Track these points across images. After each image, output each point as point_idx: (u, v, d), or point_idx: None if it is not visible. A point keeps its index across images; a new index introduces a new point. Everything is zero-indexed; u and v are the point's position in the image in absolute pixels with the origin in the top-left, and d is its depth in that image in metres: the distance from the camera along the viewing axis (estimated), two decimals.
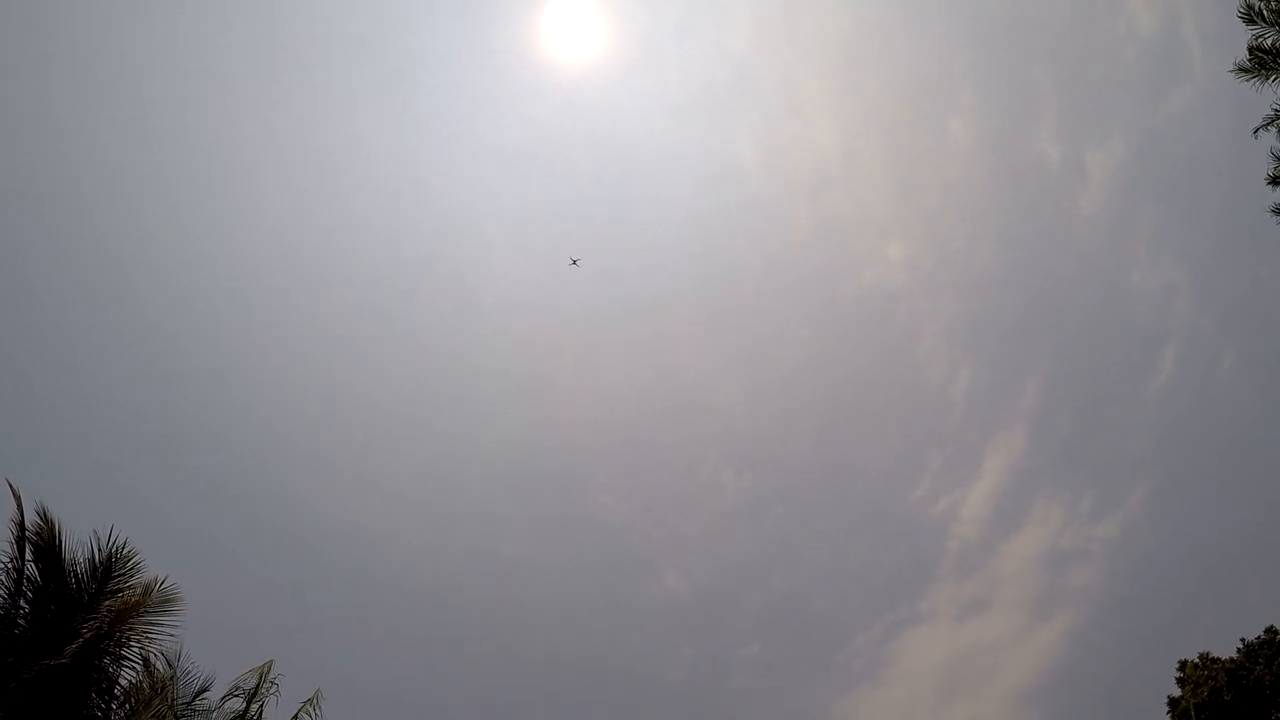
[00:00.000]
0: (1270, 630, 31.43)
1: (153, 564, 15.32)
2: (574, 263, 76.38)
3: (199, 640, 16.96)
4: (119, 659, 14.47)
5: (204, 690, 17.62)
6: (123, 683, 14.84)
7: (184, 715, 17.28)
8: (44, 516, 14.25)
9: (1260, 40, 22.30)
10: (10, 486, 14.03)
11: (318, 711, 18.37)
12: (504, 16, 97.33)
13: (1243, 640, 31.69)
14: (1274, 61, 22.17)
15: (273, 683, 18.69)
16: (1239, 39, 23.27)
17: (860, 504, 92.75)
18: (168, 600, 14.97)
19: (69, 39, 75.29)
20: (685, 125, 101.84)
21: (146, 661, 15.74)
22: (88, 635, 13.21)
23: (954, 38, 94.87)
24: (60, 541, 14.35)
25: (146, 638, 14.62)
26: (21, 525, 13.97)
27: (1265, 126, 23.76)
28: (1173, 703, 32.11)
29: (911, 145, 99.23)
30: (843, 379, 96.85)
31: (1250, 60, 23.04)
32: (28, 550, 13.96)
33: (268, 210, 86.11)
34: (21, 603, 13.79)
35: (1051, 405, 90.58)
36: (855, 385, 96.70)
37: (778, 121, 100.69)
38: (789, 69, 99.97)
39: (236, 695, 18.24)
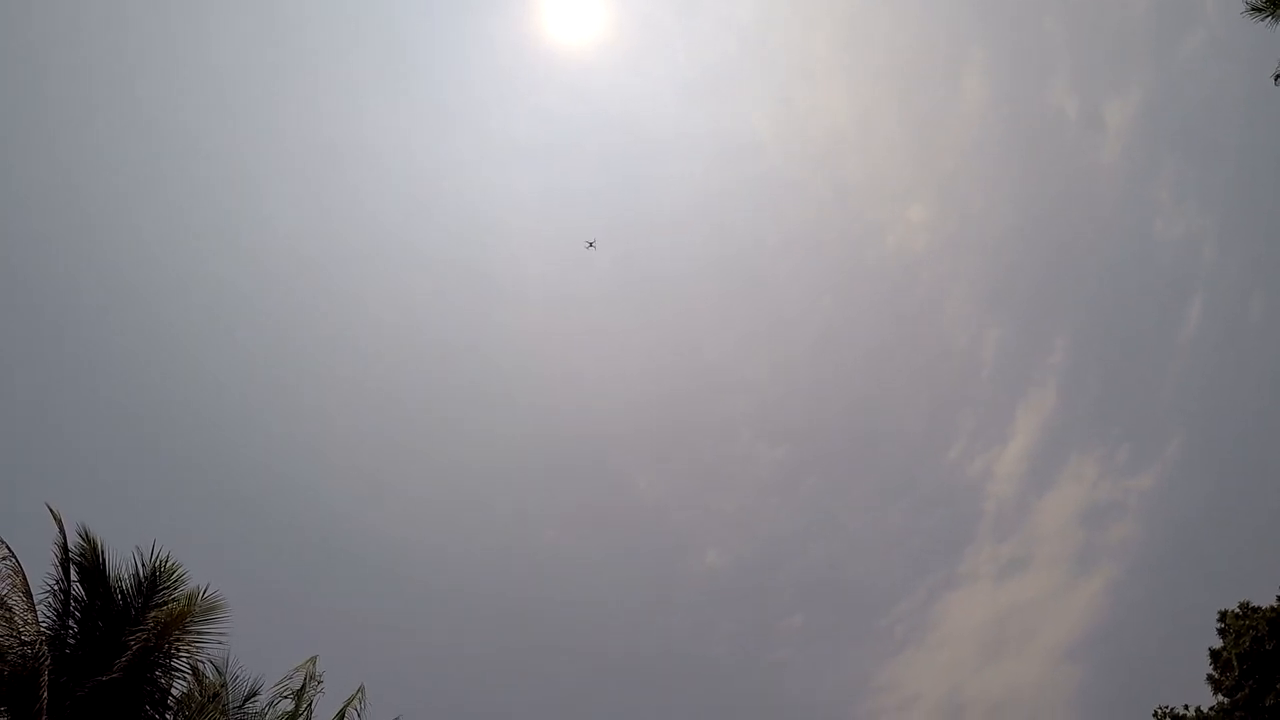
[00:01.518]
0: None
1: (195, 574, 15.72)
2: (590, 245, 76.43)
3: (244, 643, 17.36)
4: (169, 670, 14.93)
5: (254, 694, 18.03)
6: (175, 693, 15.33)
7: None
8: (85, 537, 14.68)
9: None
10: (51, 510, 14.46)
11: (363, 707, 18.74)
12: (502, 6, 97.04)
13: None
14: None
15: (318, 681, 19.12)
16: None
17: (895, 470, 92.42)
18: (212, 609, 15.35)
19: (66, 40, 75.96)
20: (695, 102, 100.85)
21: (196, 670, 16.20)
22: (136, 648, 13.63)
23: None
24: (103, 560, 14.79)
25: (195, 647, 15.02)
26: (65, 547, 14.40)
27: None
28: (1214, 654, 31.88)
29: (926, 106, 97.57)
30: (870, 346, 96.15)
31: None
32: (73, 571, 14.40)
33: (279, 216, 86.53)
34: (70, 622, 14.26)
35: (1081, 360, 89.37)
36: (883, 351, 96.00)
37: (789, 91, 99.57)
38: (797, 37, 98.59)
39: (286, 696, 18.63)
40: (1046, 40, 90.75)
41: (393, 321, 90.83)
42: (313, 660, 19.39)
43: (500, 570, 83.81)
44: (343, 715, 18.35)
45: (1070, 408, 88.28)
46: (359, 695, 18.86)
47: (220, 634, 15.40)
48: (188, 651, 15.01)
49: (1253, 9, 22.30)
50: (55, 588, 14.23)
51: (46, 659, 12.78)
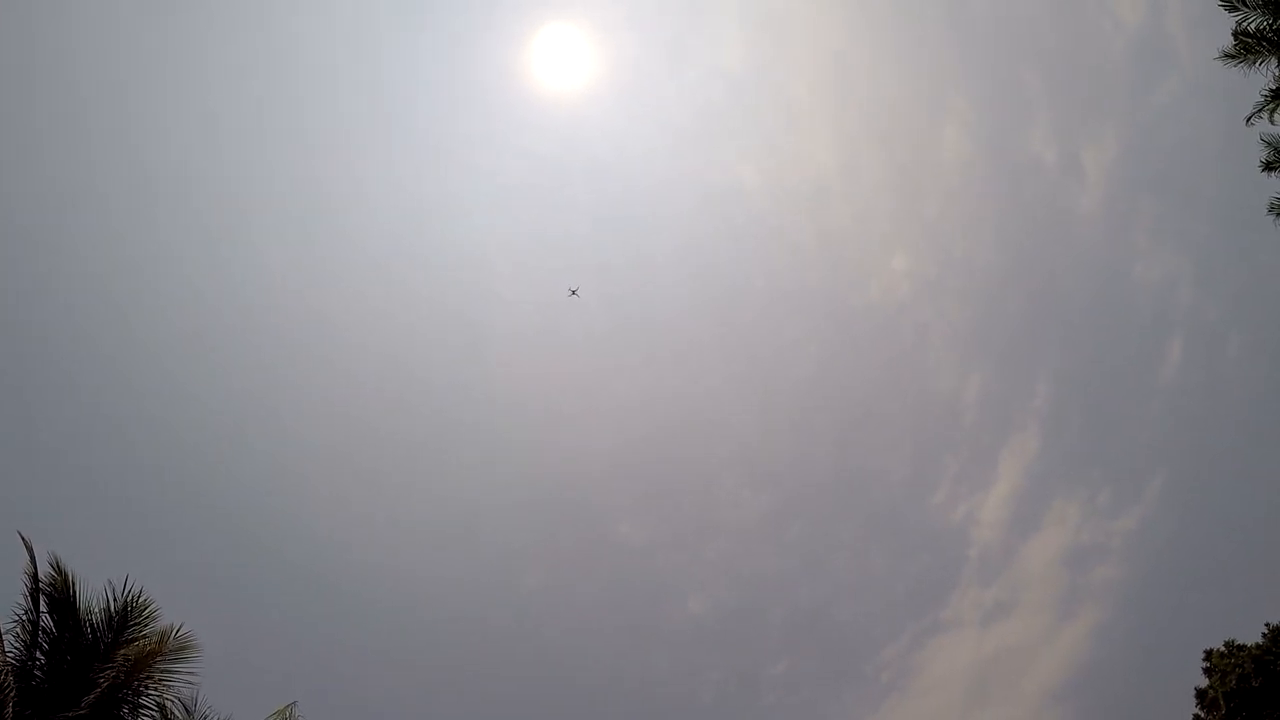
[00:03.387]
0: None
1: (168, 610, 15.32)
2: (573, 293, 76.78)
3: (216, 683, 16.87)
4: (137, 707, 14.45)
5: None
6: None
7: None
8: (57, 568, 14.27)
9: (1244, 24, 22.35)
10: (22, 539, 14.08)
11: None
12: (493, 49, 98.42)
13: (1268, 625, 31.35)
14: (1258, 45, 22.22)
15: None
16: (1223, 23, 23.37)
17: (879, 515, 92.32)
18: (184, 648, 14.98)
19: (60, 75, 76.23)
20: (682, 148, 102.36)
21: (164, 709, 15.67)
22: (104, 685, 13.20)
23: (942, 45, 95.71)
24: (74, 592, 14.37)
25: (164, 685, 14.59)
26: (35, 577, 13.99)
27: (1257, 114, 23.80)
28: (1200, 694, 31.74)
29: (908, 155, 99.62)
30: (854, 391, 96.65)
31: (1235, 45, 23.06)
32: (42, 602, 13.97)
33: (268, 249, 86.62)
34: (38, 654, 13.80)
35: (1062, 404, 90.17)
36: (867, 396, 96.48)
37: (774, 139, 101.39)
38: (782, 86, 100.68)
39: None
40: (1025, 90, 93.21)
41: (381, 355, 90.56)
42: (290, 706, 18.80)
43: (484, 608, 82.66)
44: None
45: (1052, 451, 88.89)
46: None
47: (191, 672, 15.03)
48: (157, 690, 14.59)
49: (1226, 56, 22.91)
50: (24, 618, 13.78)
51: (12, 690, 12.32)
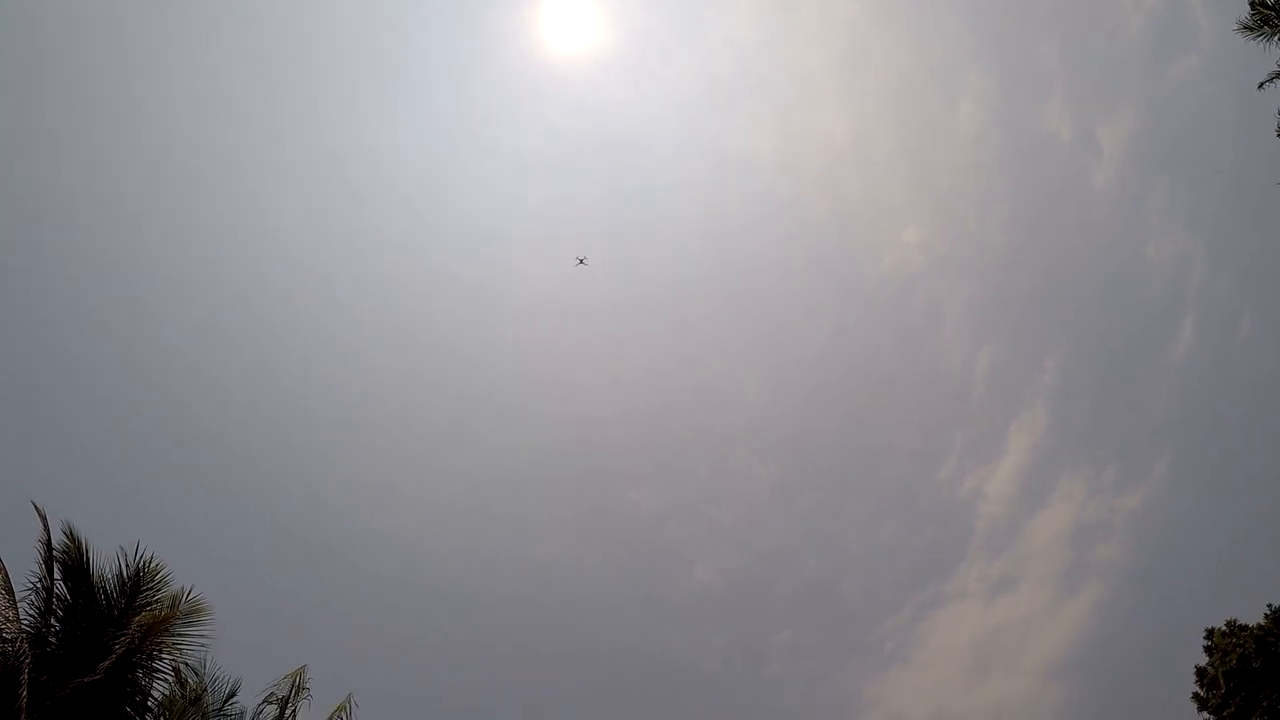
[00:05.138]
0: None
1: (179, 575, 15.57)
2: (581, 262, 76.61)
3: (227, 645, 17.17)
4: (151, 671, 14.70)
5: (232, 695, 17.78)
6: (155, 694, 15.11)
7: None
8: (71, 535, 14.50)
9: None
10: (36, 508, 14.29)
11: (350, 716, 18.52)
12: (505, 17, 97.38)
13: (1270, 606, 31.46)
14: (1276, 17, 21.86)
15: (305, 689, 18.89)
16: (1242, 3, 23.01)
17: (887, 487, 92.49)
18: (196, 611, 15.20)
19: (63, 43, 75.88)
20: (696, 118, 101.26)
21: (177, 672, 15.98)
22: (120, 651, 13.44)
23: (959, 18, 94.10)
24: (88, 559, 14.60)
25: (177, 649, 14.84)
26: (49, 545, 14.22)
27: (1271, 80, 23.45)
28: (1200, 672, 31.92)
29: (923, 128, 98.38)
30: (865, 363, 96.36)
31: (1253, 16, 22.76)
32: (56, 569, 14.21)
33: (283, 223, 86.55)
34: (52, 621, 14.05)
35: (1072, 380, 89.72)
36: (878, 369, 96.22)
37: (788, 110, 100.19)
38: (797, 57, 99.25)
39: (271, 703, 18.41)
40: (1041, 64, 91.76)
41: (392, 327, 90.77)
42: (301, 670, 19.15)
43: (496, 576, 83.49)
44: None
45: (1060, 427, 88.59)
46: (346, 704, 18.64)
47: (203, 636, 15.29)
48: (170, 654, 14.82)
49: (1245, 27, 22.55)
50: (39, 585, 14.04)
51: (27, 657, 12.57)
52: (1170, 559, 74.51)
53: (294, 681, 18.87)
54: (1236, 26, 22.67)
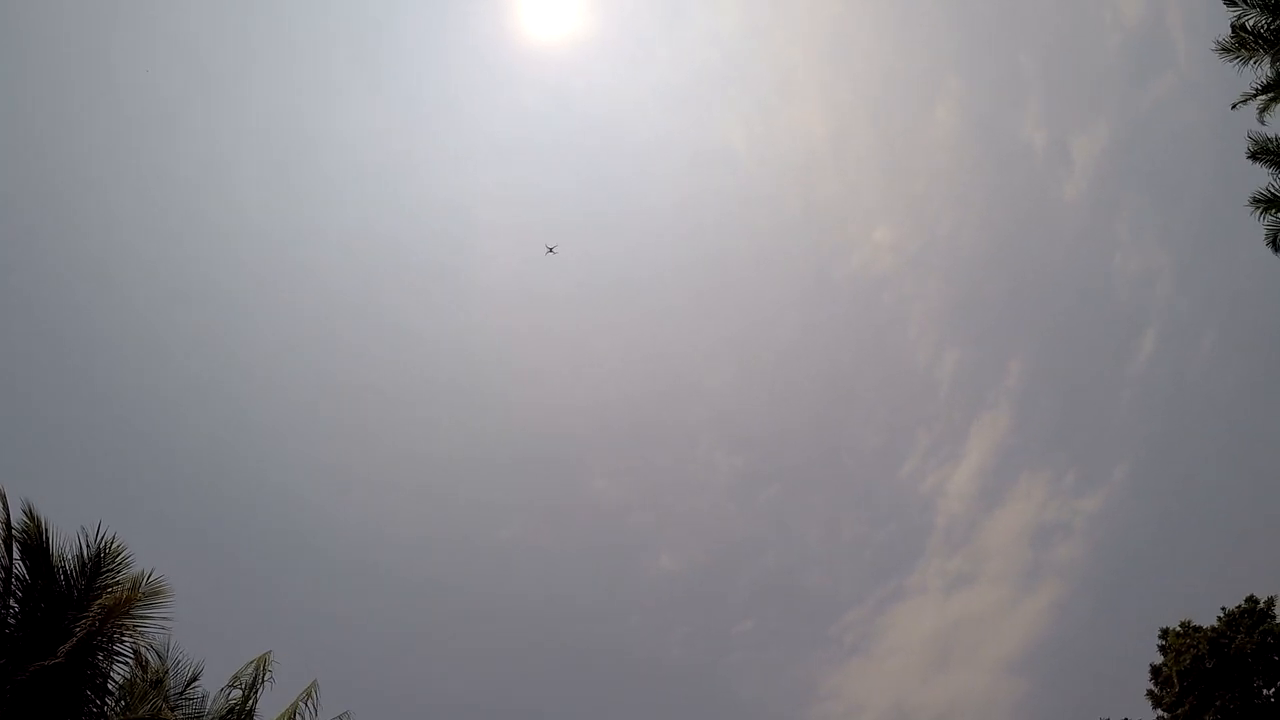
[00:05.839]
0: (1251, 599, 32.00)
1: (141, 558, 15.29)
2: (551, 250, 76.47)
3: (190, 631, 16.95)
4: (112, 655, 14.42)
5: (194, 679, 17.54)
6: (116, 677, 14.84)
7: (177, 707, 17.26)
8: (30, 514, 14.12)
9: (1242, 19, 22.31)
10: None
11: (314, 703, 18.34)
12: (482, 1, 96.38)
13: (1224, 609, 32.29)
14: (1255, 41, 22.20)
15: (269, 673, 18.67)
16: (1221, 27, 23.35)
17: (851, 482, 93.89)
18: (157, 593, 14.90)
19: (46, 34, 73.93)
20: (673, 109, 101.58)
21: (138, 655, 15.70)
22: (81, 633, 13.15)
23: (942, 23, 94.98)
24: (48, 539, 14.22)
25: (138, 632, 14.57)
26: (8, 524, 13.84)
27: (1245, 101, 23.84)
28: (1155, 670, 32.70)
29: (899, 131, 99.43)
30: (832, 360, 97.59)
31: (1232, 39, 23.04)
32: (15, 549, 13.85)
33: (252, 205, 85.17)
34: (11, 602, 13.70)
35: (1035, 385, 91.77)
36: (844, 366, 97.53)
37: (766, 105, 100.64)
38: (778, 52, 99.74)
39: (235, 687, 18.19)
40: (1020, 74, 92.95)
41: (360, 310, 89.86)
42: (266, 656, 18.92)
43: (458, 561, 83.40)
44: (294, 710, 17.92)
45: (1022, 430, 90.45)
46: (311, 691, 18.44)
47: (165, 619, 15.03)
48: (132, 637, 14.56)
49: (1223, 49, 22.90)
50: None
51: None
52: (1126, 561, 76.49)
53: (258, 667, 18.66)
54: (1214, 47, 23.02)
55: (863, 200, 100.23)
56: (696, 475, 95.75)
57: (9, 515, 13.89)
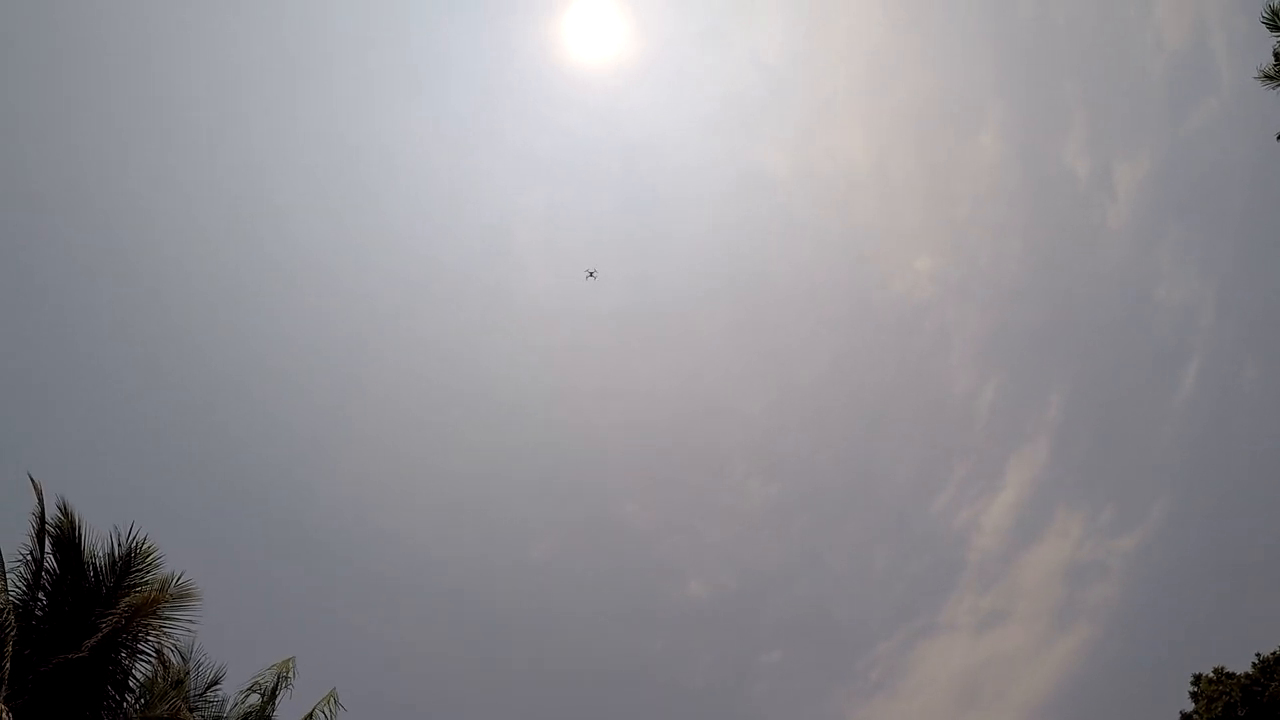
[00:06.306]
0: None
1: (172, 561, 15.53)
2: (590, 275, 76.36)
3: (215, 635, 17.14)
4: (135, 653, 14.65)
5: (215, 683, 17.74)
6: (138, 675, 15.08)
7: (196, 708, 17.48)
8: (64, 510, 14.47)
9: None
10: (32, 480, 14.28)
11: (333, 711, 18.46)
12: (527, 20, 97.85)
13: (1258, 655, 31.33)
14: None
15: (290, 680, 18.82)
16: (1265, 51, 23.05)
17: (884, 513, 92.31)
18: (185, 595, 15.14)
19: (81, 37, 76.28)
20: (714, 132, 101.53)
21: (161, 655, 15.96)
22: (106, 630, 13.41)
23: (985, 49, 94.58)
24: (80, 535, 14.56)
25: (163, 632, 14.81)
26: (42, 518, 14.19)
27: None
28: (1185, 718, 31.75)
29: (941, 157, 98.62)
30: (869, 388, 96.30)
31: (1275, 66, 22.79)
32: (48, 543, 14.20)
33: (291, 215, 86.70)
34: (40, 595, 14.01)
35: (1074, 418, 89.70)
36: (881, 394, 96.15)
37: (808, 130, 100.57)
38: (820, 77, 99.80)
39: (255, 691, 18.35)
40: (1064, 100, 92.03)
41: (398, 324, 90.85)
42: (289, 661, 19.09)
43: (487, 579, 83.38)
44: (311, 717, 18.07)
45: (1060, 464, 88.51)
46: (330, 698, 18.56)
47: (190, 622, 15.23)
48: (155, 637, 14.80)
49: (1266, 76, 22.59)
50: (29, 557, 14.00)
51: (12, 629, 12.55)
52: (1161, 603, 74.29)
53: (280, 673, 18.80)
54: (1257, 75, 22.77)
55: (904, 227, 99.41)
56: (729, 501, 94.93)
57: (44, 510, 14.25)
